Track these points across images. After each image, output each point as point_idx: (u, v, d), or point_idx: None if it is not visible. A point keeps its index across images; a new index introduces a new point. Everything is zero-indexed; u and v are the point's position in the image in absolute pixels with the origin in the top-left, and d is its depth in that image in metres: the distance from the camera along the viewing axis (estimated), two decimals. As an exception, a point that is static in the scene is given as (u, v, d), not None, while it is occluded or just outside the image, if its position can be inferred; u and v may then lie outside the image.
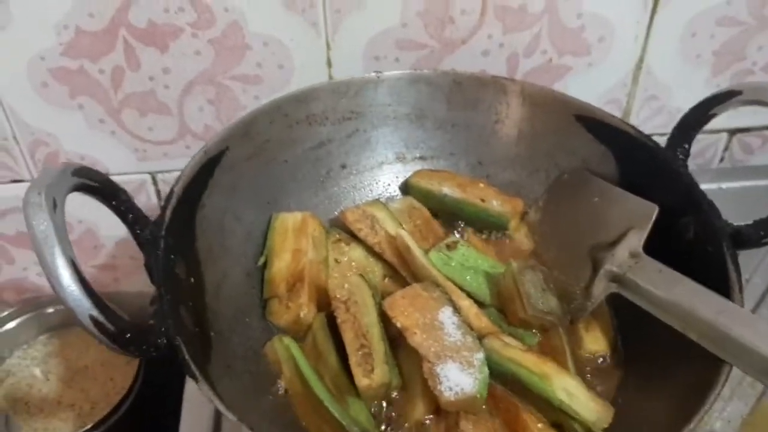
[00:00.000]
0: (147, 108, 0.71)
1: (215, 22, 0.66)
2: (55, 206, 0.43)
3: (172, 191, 0.54)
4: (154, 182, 0.77)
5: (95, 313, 0.42)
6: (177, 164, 0.76)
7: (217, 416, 0.64)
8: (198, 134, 0.73)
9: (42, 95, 0.69)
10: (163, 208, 0.52)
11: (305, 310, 0.58)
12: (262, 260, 0.62)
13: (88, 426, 0.76)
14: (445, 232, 0.66)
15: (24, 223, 0.75)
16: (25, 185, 0.74)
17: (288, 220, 0.63)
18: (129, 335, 0.44)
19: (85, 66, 0.67)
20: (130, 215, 0.51)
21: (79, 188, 0.47)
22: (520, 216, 0.67)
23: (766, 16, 0.73)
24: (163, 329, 0.46)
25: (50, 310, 0.85)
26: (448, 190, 0.67)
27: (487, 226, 0.67)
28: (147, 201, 0.78)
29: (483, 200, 0.66)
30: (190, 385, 0.66)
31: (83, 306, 0.41)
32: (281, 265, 0.61)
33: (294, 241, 0.62)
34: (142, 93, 0.70)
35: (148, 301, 0.81)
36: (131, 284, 0.86)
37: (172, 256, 0.51)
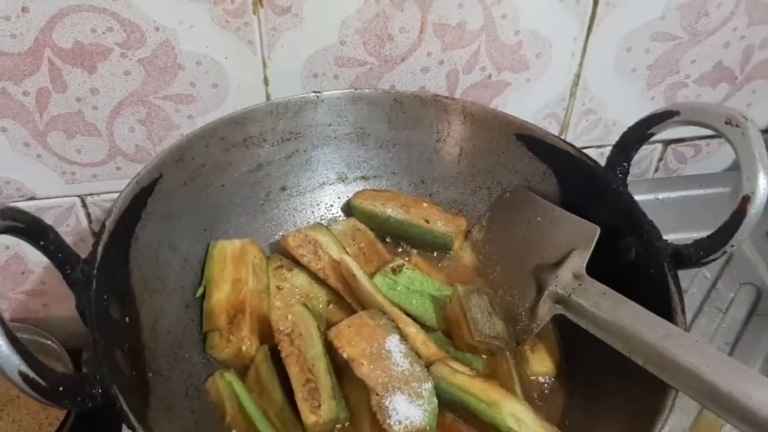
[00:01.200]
0: (75, 130, 0.68)
1: (145, 42, 0.63)
2: (-23, 255, 0.40)
3: (103, 226, 0.51)
4: (84, 205, 0.74)
5: (24, 368, 0.39)
6: (107, 186, 0.73)
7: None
8: (129, 155, 0.70)
9: (-39, 119, 0.65)
10: (95, 245, 0.50)
11: (247, 343, 0.57)
12: (200, 291, 0.59)
13: (20, 461, 0.73)
14: (389, 254, 0.65)
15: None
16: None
17: (227, 248, 0.61)
18: (62, 388, 0.41)
19: (7, 88, 0.64)
20: (59, 254, 0.48)
21: (5, 231, 0.44)
22: (464, 235, 0.67)
23: (699, 31, 0.74)
24: (97, 377, 0.44)
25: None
26: (392, 211, 0.66)
27: (431, 246, 0.67)
28: (77, 224, 0.75)
29: (427, 221, 0.66)
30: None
31: (12, 362, 0.39)
32: (221, 295, 0.59)
33: (233, 269, 0.60)
34: (69, 114, 0.67)
35: (79, 326, 0.78)
36: (61, 309, 0.83)
37: (105, 296, 0.49)
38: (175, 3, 0.62)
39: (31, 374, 0.40)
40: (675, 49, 0.75)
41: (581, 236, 0.59)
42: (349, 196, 0.69)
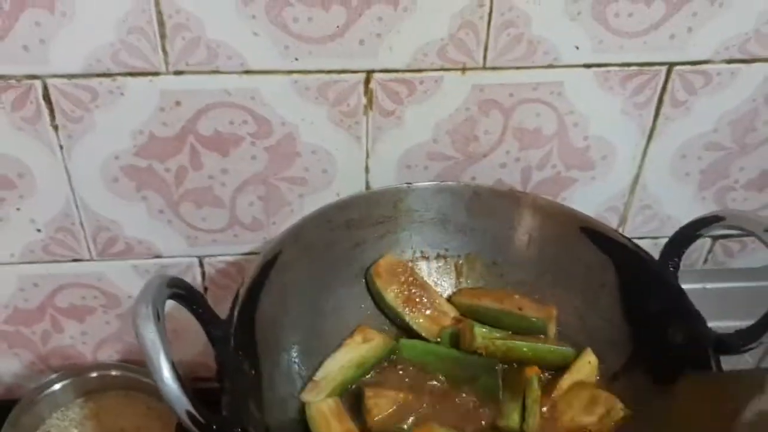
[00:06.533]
0: (203, 202, 0.80)
1: (272, 133, 0.75)
2: (159, 317, 0.51)
3: (237, 293, 0.62)
4: (201, 265, 0.85)
5: (191, 408, 0.50)
6: (223, 250, 0.84)
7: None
8: (246, 225, 0.82)
9: (111, 189, 0.77)
10: (231, 309, 0.61)
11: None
12: None
13: (125, 487, 0.83)
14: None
15: (75, 296, 0.84)
16: (83, 264, 0.83)
17: (323, 407, 0.67)
18: (215, 426, 0.52)
19: (153, 165, 0.76)
20: (206, 316, 0.59)
21: (172, 297, 0.55)
22: (555, 321, 0.75)
23: (747, 143, 0.83)
24: (237, 420, 0.54)
25: (92, 374, 0.91)
26: (489, 302, 0.76)
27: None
28: (192, 281, 0.86)
29: (520, 308, 0.75)
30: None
31: (182, 402, 0.49)
32: None
33: (338, 424, 0.66)
34: (201, 189, 0.79)
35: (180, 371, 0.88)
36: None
37: (240, 352, 0.60)
38: (301, 104, 0.74)
39: (195, 413, 0.50)
40: (725, 158, 0.84)
41: None
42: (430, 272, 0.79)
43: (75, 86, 0.71)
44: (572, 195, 0.86)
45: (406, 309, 0.75)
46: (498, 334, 0.73)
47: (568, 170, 0.83)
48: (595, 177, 0.84)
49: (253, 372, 0.62)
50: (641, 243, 0.72)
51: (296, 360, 0.69)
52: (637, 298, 0.71)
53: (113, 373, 0.91)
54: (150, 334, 0.50)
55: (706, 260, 0.96)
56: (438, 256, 0.80)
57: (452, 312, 0.77)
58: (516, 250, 0.79)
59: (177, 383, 0.50)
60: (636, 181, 0.86)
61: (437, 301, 0.77)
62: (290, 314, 0.70)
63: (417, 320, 0.75)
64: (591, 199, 0.86)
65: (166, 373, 0.49)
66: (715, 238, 0.93)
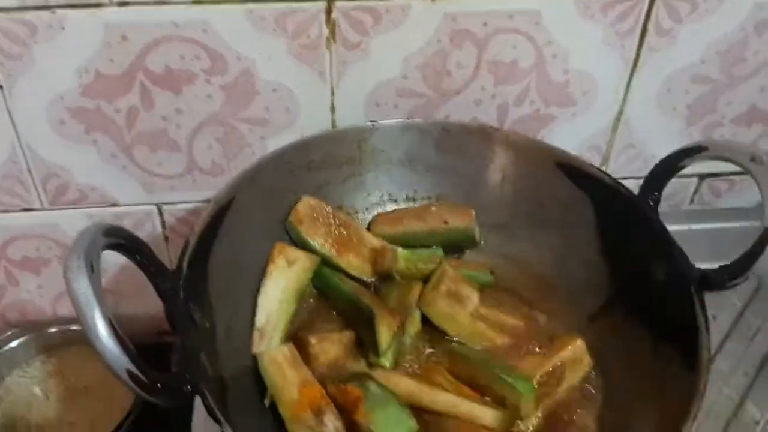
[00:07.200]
0: (158, 145, 0.75)
1: (227, 70, 0.70)
2: (92, 268, 0.46)
3: (187, 242, 0.58)
4: (160, 213, 0.81)
5: (131, 367, 0.46)
6: (183, 196, 0.80)
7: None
8: (205, 169, 0.77)
9: (58, 132, 0.72)
10: (180, 259, 0.57)
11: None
12: (268, 401, 0.60)
13: (90, 445, 0.79)
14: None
15: (29, 248, 0.80)
16: (34, 213, 0.78)
17: (277, 356, 0.62)
18: (159, 385, 0.48)
19: (101, 106, 0.71)
20: (152, 267, 0.55)
21: (110, 247, 0.51)
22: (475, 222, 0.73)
23: (735, 75, 0.79)
24: (187, 377, 0.50)
25: (52, 330, 0.87)
26: (412, 225, 0.72)
27: (456, 243, 0.73)
28: (152, 230, 0.82)
29: (446, 222, 0.72)
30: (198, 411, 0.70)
31: (121, 361, 0.45)
32: (292, 398, 0.59)
33: (294, 372, 0.61)
34: (155, 131, 0.74)
35: (145, 324, 0.83)
36: (130, 307, 0.89)
37: (190, 304, 0.55)
38: (257, 36, 0.68)
39: (136, 372, 0.46)
40: (713, 91, 0.79)
41: None
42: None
43: (12, 21, 0.65)
44: (551, 133, 0.81)
45: (336, 253, 0.69)
46: (420, 256, 0.70)
47: (548, 107, 0.79)
48: (576, 114, 0.80)
49: (207, 324, 0.58)
50: (625, 184, 0.68)
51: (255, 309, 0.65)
52: (616, 235, 0.67)
53: (73, 327, 0.87)
54: (82, 288, 0.45)
55: (692, 201, 0.92)
56: (407, 198, 0.76)
57: (382, 245, 0.72)
58: (489, 190, 0.75)
59: (114, 340, 0.45)
60: (619, 118, 0.81)
61: (365, 237, 0.72)
62: (247, 262, 0.66)
63: (351, 263, 0.70)
64: (572, 137, 0.81)
65: (102, 330, 0.45)
66: (701, 177, 0.89)
